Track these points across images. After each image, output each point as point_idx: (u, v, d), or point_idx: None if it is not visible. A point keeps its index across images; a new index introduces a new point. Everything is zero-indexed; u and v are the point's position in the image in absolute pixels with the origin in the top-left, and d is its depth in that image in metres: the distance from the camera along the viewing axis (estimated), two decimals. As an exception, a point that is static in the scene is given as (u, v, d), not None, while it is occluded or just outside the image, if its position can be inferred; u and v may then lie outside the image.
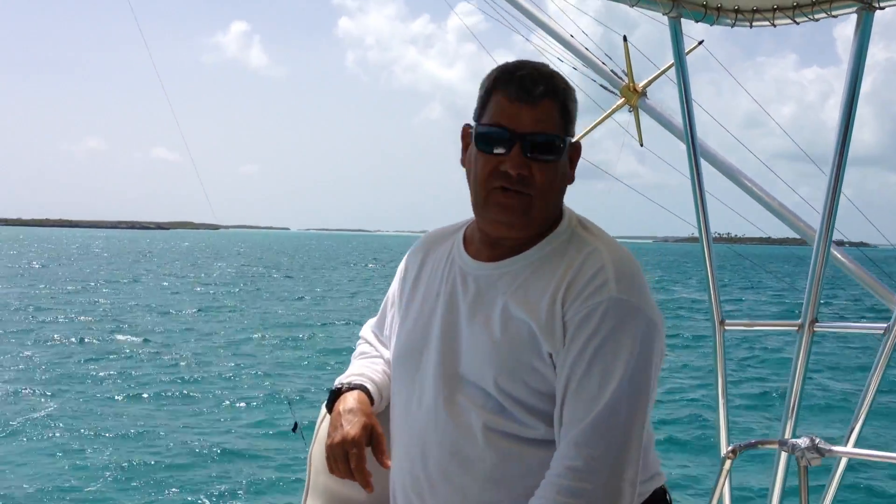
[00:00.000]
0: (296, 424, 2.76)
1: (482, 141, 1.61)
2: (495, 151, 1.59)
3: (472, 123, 1.67)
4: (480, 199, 1.64)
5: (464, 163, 1.69)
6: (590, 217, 1.74)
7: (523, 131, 1.57)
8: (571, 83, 1.72)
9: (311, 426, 1.96)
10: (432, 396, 1.66)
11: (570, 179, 1.68)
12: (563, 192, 1.67)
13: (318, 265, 76.75)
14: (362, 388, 1.84)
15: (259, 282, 49.61)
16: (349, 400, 1.80)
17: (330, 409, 1.83)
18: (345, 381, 1.86)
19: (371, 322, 2.04)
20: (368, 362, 1.93)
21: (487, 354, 1.59)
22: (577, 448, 1.48)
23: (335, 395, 1.84)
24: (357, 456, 1.71)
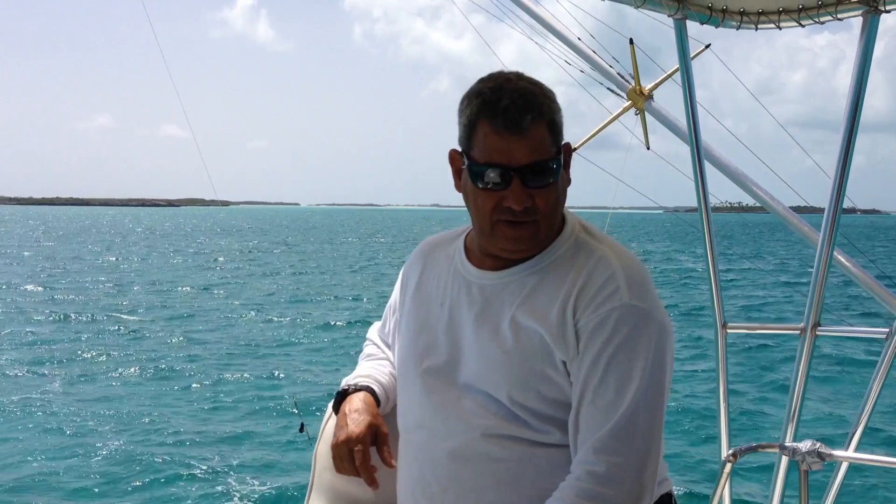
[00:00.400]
0: (302, 425, 2.80)
1: (478, 179, 1.57)
2: (493, 188, 1.56)
3: (459, 149, 1.63)
4: (487, 231, 1.62)
5: (458, 188, 1.66)
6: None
7: (519, 165, 1.54)
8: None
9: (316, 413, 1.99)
10: (441, 403, 1.68)
11: (568, 182, 1.66)
12: (563, 201, 1.66)
13: (326, 239, 76.93)
14: (369, 389, 1.87)
15: (263, 257, 49.72)
16: (355, 401, 1.84)
17: (337, 410, 1.86)
18: (351, 383, 1.89)
19: (377, 325, 2.06)
20: (376, 364, 1.96)
21: (499, 364, 1.61)
22: (597, 455, 1.49)
23: (342, 396, 1.87)
24: (362, 453, 1.75)
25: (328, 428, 1.91)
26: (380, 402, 1.86)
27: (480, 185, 1.57)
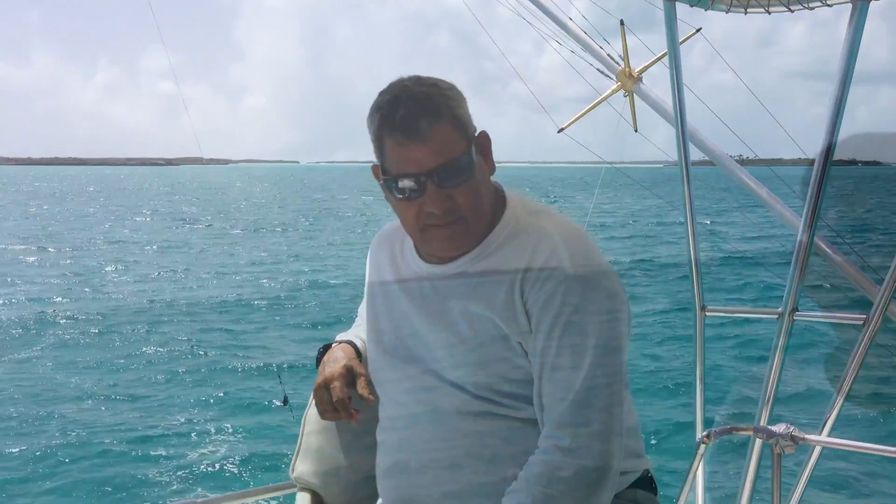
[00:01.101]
0: (286, 398, 2.86)
1: (395, 190, 1.62)
2: (411, 197, 1.60)
3: (378, 163, 1.66)
4: (417, 237, 1.68)
5: (388, 199, 1.70)
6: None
7: (428, 169, 1.57)
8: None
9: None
10: (412, 388, 1.74)
11: (492, 170, 1.69)
12: (490, 190, 1.69)
13: (320, 198, 76.73)
14: (350, 342, 1.95)
15: (247, 215, 49.56)
16: (335, 351, 1.92)
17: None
18: (335, 340, 1.98)
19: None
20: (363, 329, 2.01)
21: (459, 354, 1.66)
22: (561, 428, 1.54)
23: (323, 351, 1.95)
24: (338, 388, 1.82)
25: None
26: (361, 354, 1.93)
27: (399, 196, 1.61)
